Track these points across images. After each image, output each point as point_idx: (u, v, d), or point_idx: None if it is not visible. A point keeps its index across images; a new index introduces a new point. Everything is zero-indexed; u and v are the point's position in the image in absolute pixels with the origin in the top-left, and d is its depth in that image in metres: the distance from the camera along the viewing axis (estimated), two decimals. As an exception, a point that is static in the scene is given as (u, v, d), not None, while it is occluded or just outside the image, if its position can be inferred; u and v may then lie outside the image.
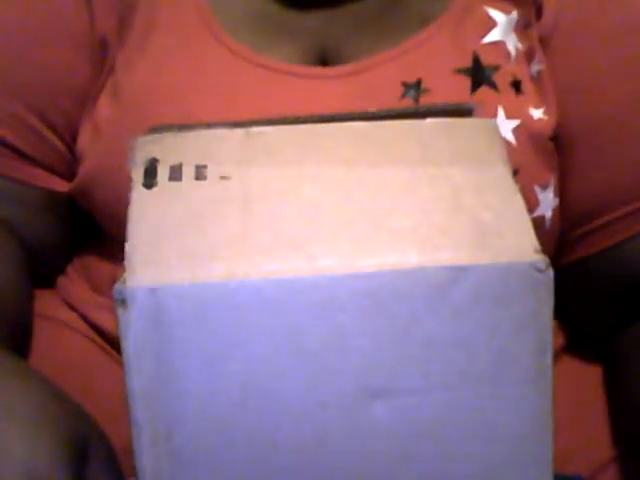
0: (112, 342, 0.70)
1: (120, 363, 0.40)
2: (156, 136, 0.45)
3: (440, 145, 0.45)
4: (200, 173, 0.44)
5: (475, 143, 0.45)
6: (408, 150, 0.45)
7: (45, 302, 0.72)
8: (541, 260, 0.40)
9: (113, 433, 0.54)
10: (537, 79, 0.66)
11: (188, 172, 0.44)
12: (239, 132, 0.46)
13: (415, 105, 0.63)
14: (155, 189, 0.43)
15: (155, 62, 0.65)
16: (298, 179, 0.44)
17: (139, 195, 0.43)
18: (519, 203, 0.42)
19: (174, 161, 0.44)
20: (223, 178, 0.44)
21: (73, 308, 0.72)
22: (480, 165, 0.44)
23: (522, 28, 0.66)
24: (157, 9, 0.66)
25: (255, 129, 0.46)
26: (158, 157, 0.44)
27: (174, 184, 0.43)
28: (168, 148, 0.45)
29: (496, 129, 0.46)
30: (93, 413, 0.59)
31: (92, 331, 0.71)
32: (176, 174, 0.44)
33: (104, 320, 0.70)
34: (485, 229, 0.41)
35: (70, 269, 0.75)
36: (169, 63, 0.65)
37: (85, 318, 0.71)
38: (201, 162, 0.44)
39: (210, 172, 0.44)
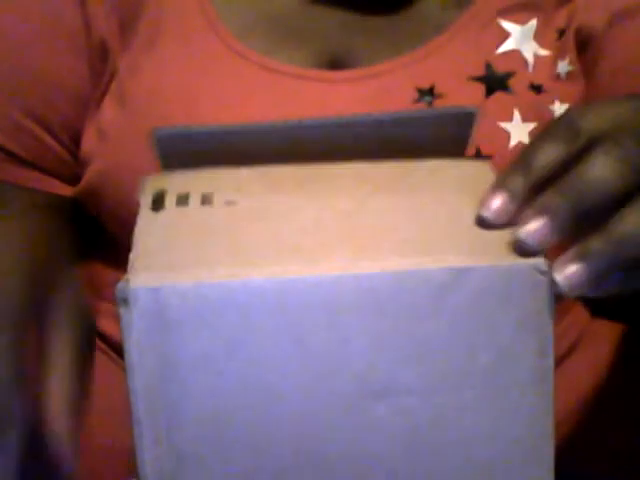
0: (114, 347, 0.70)
1: (122, 367, 0.40)
2: (164, 173, 0.47)
3: (438, 179, 0.47)
4: (206, 199, 0.45)
5: (472, 177, 0.47)
6: (407, 183, 0.46)
7: None
8: (542, 262, 0.40)
9: (114, 434, 0.54)
10: (566, 79, 0.66)
11: (195, 199, 0.45)
12: (244, 170, 0.47)
13: (417, 109, 0.63)
14: (162, 212, 0.44)
15: (162, 66, 0.66)
16: (301, 205, 0.45)
17: (146, 216, 0.44)
18: None
19: (181, 191, 0.45)
20: (229, 203, 0.45)
21: None
22: (479, 193, 0.44)
23: (546, 33, 0.66)
24: (163, 13, 0.66)
25: (260, 169, 0.47)
26: (166, 188, 0.46)
27: (181, 208, 0.44)
28: (175, 182, 0.46)
29: (489, 168, 0.47)
30: (94, 414, 0.59)
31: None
32: (183, 200, 0.45)
33: (107, 326, 0.70)
34: (485, 234, 0.42)
35: None
36: (176, 67, 0.66)
37: None
38: (208, 191, 0.45)
39: (216, 198, 0.45)
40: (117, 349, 0.69)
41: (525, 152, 0.43)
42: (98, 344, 0.71)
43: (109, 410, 0.61)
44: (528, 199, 0.42)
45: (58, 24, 0.67)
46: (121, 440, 0.58)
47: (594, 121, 0.43)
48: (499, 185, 0.43)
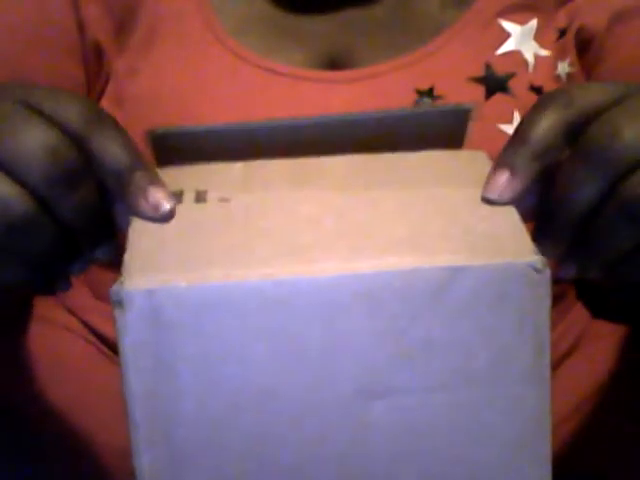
0: (113, 348, 0.70)
1: (119, 366, 0.40)
2: (157, 170, 0.46)
3: (433, 171, 0.46)
4: (200, 196, 0.45)
5: (468, 169, 0.47)
6: (401, 176, 0.46)
7: (45, 305, 0.72)
8: (538, 260, 0.40)
9: (112, 434, 0.54)
10: (566, 80, 0.66)
11: (189, 196, 0.45)
12: (238, 165, 0.47)
13: (413, 106, 0.63)
14: None
15: (159, 68, 0.66)
16: (296, 201, 0.44)
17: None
18: (514, 216, 0.43)
19: (175, 188, 0.45)
20: (223, 200, 0.44)
21: (73, 314, 0.72)
22: (473, 187, 0.44)
23: (546, 33, 0.67)
24: (160, 15, 0.66)
25: (254, 163, 0.47)
26: None
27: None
28: (169, 178, 0.45)
29: (487, 158, 0.47)
30: (92, 413, 0.59)
31: (92, 335, 0.71)
32: (177, 198, 0.44)
33: (107, 328, 0.70)
34: (481, 235, 0.42)
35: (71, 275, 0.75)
36: (174, 68, 0.66)
37: (86, 324, 0.71)
38: (202, 188, 0.45)
39: (210, 196, 0.45)
40: (117, 350, 0.69)
41: (521, 127, 0.44)
42: (99, 346, 0.71)
43: (110, 411, 0.61)
44: (531, 172, 0.43)
45: (51, 27, 0.67)
46: (122, 441, 0.58)
47: (587, 95, 0.44)
48: (500, 163, 0.44)
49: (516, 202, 0.43)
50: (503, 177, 0.43)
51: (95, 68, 0.67)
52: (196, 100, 0.65)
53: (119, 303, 0.39)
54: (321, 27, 0.67)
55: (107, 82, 0.67)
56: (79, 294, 0.73)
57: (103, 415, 0.64)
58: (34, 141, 0.40)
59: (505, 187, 0.43)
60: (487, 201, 0.43)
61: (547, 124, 0.43)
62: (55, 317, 0.72)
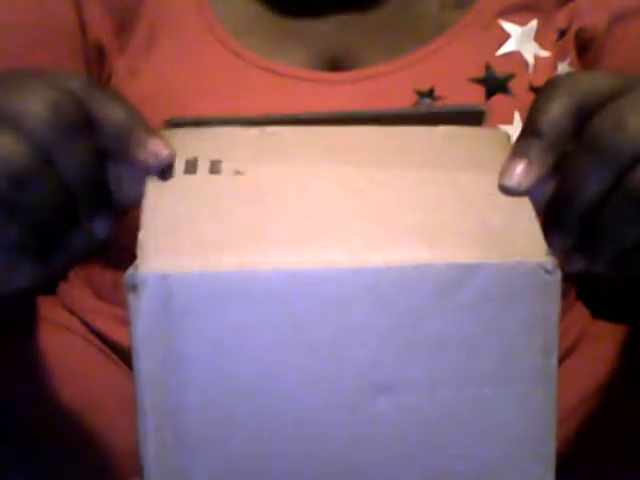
0: (115, 348, 0.70)
1: (123, 368, 0.40)
2: (172, 131, 0.46)
3: (451, 151, 0.46)
4: (215, 167, 0.44)
5: (486, 150, 0.46)
6: (420, 154, 0.46)
7: (46, 305, 0.72)
8: (549, 261, 0.40)
9: (113, 434, 0.53)
10: None
11: (203, 166, 0.44)
12: (254, 131, 0.46)
13: (429, 106, 0.63)
14: (170, 181, 0.43)
15: (160, 68, 0.66)
16: (310, 176, 0.44)
17: (154, 186, 0.43)
18: (528, 209, 0.43)
19: (189, 155, 0.44)
20: (237, 173, 0.44)
21: (73, 314, 0.72)
22: (490, 171, 0.44)
23: (546, 34, 0.67)
24: (161, 15, 0.66)
25: (270, 129, 0.46)
26: (174, 152, 0.45)
27: (189, 177, 0.44)
28: (184, 143, 0.45)
29: (507, 138, 0.47)
30: (92, 413, 0.59)
31: (92, 335, 0.71)
32: (191, 167, 0.44)
33: (107, 327, 0.70)
34: (494, 230, 0.42)
35: (72, 275, 0.75)
36: (174, 69, 0.66)
37: (86, 324, 0.71)
38: (216, 157, 0.45)
39: (225, 167, 0.44)
40: (117, 350, 0.69)
41: (532, 115, 0.44)
42: (99, 346, 0.70)
43: (111, 411, 0.61)
44: (546, 162, 0.44)
45: (54, 27, 0.67)
46: (123, 440, 0.58)
47: (591, 82, 0.44)
48: (516, 153, 0.44)
49: (533, 190, 0.43)
50: (520, 166, 0.43)
51: (97, 68, 0.67)
52: (196, 100, 0.65)
53: (134, 287, 0.39)
54: (321, 28, 0.67)
55: (109, 82, 0.67)
56: (79, 294, 0.73)
57: (104, 415, 0.64)
58: (37, 96, 0.41)
59: (523, 176, 0.43)
60: (504, 189, 0.44)
61: (557, 112, 0.44)
62: (55, 317, 0.72)
